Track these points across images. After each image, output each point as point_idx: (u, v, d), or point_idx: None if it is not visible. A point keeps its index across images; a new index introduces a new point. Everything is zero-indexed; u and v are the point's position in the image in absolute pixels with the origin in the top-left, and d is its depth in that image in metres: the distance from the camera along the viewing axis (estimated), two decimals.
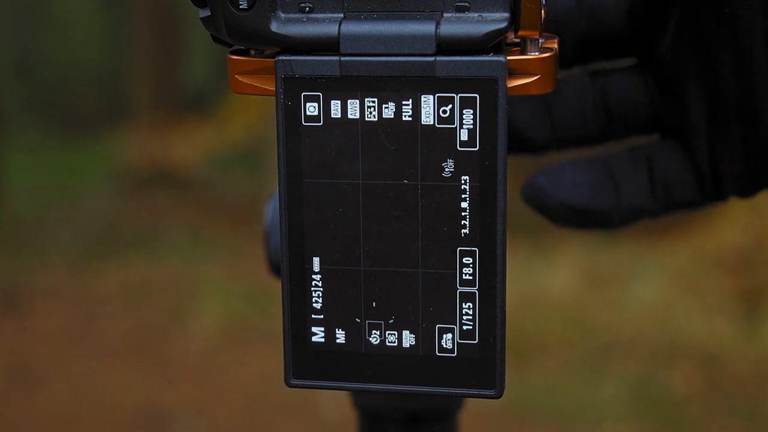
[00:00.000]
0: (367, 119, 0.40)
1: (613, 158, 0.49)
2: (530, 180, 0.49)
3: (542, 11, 0.40)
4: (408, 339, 0.41)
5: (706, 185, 0.47)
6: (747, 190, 0.47)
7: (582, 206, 0.48)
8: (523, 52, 0.41)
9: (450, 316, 0.41)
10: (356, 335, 0.42)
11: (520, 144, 0.51)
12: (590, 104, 0.49)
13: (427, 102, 0.39)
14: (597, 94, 0.49)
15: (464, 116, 0.39)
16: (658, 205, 0.49)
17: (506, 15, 0.39)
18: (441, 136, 0.40)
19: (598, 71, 0.50)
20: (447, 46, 0.39)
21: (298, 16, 0.40)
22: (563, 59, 0.49)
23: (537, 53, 0.40)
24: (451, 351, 0.41)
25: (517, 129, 0.50)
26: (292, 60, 0.40)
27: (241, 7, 0.40)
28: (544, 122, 0.49)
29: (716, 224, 3.27)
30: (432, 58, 0.39)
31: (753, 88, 0.44)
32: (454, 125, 0.39)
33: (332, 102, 0.40)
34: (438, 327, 0.41)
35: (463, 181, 0.40)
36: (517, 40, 0.41)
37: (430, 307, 0.41)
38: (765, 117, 0.44)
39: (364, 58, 0.39)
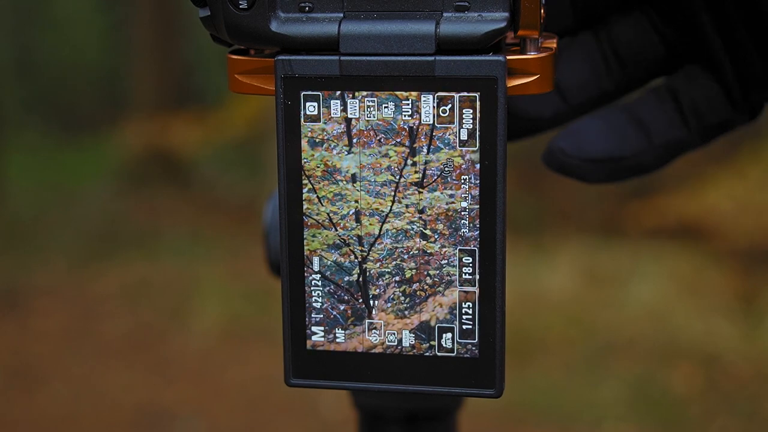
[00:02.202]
0: (367, 119, 0.40)
1: (633, 103, 0.48)
2: (549, 144, 0.48)
3: (542, 10, 0.40)
4: (407, 338, 0.41)
5: (736, 100, 0.46)
6: None
7: (608, 156, 0.47)
8: (522, 52, 0.41)
9: (450, 315, 0.41)
10: (356, 335, 0.42)
11: (527, 127, 0.49)
12: (600, 58, 0.48)
13: (427, 101, 0.39)
14: (605, 46, 0.48)
15: (464, 116, 0.39)
16: (693, 134, 0.47)
17: (506, 15, 0.39)
18: (441, 136, 0.40)
19: (600, 24, 0.48)
20: (447, 45, 0.39)
21: (297, 15, 0.40)
22: (568, 27, 0.48)
23: (536, 53, 0.40)
24: (451, 350, 0.41)
25: (520, 111, 0.48)
26: (292, 59, 0.40)
27: (240, 6, 0.40)
28: (551, 93, 0.47)
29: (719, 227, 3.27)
30: (432, 58, 0.39)
31: None
32: (454, 125, 0.39)
33: (332, 101, 0.40)
34: (438, 326, 0.41)
35: (462, 181, 0.40)
36: (516, 39, 0.41)
37: (430, 307, 0.41)
38: None
39: (363, 58, 0.39)
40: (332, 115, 0.40)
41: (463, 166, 0.39)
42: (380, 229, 0.41)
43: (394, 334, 0.41)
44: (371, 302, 0.41)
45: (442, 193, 0.40)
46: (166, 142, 4.80)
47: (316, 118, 0.40)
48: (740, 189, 3.20)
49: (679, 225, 3.25)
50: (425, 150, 0.40)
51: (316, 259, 0.41)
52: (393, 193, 0.40)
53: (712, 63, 0.46)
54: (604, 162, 0.47)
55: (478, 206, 0.40)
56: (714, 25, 0.45)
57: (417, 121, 0.40)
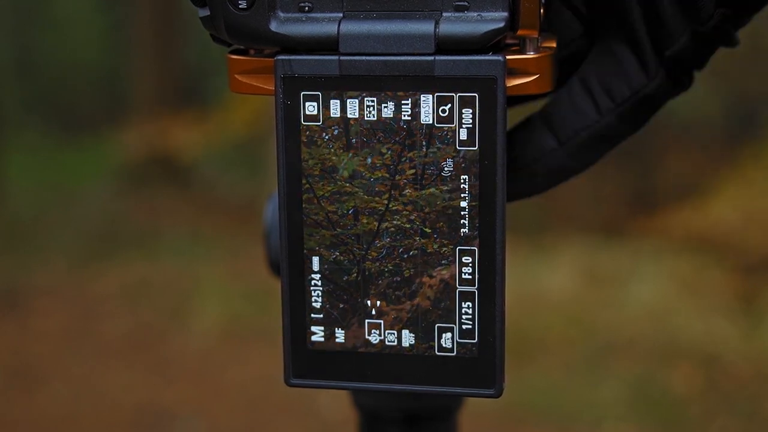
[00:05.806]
0: (366, 118, 0.40)
1: (544, 105, 0.47)
2: None
3: (541, 10, 0.40)
4: (407, 338, 0.41)
5: (647, 60, 0.44)
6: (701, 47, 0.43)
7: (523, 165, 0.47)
8: (521, 52, 0.41)
9: (449, 315, 0.41)
10: (356, 334, 0.42)
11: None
12: None
13: (427, 101, 0.39)
14: None
15: (463, 115, 0.39)
16: (607, 117, 0.45)
17: (505, 14, 0.39)
18: (440, 136, 0.40)
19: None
20: (446, 45, 0.39)
21: (297, 15, 0.40)
22: None
23: (535, 53, 0.40)
24: (451, 350, 0.41)
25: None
26: (292, 59, 0.40)
27: (240, 6, 0.40)
28: None
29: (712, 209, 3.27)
30: (431, 58, 0.39)
31: None
32: (454, 124, 0.39)
33: (331, 101, 0.40)
34: (437, 326, 0.41)
35: (462, 181, 0.40)
36: (515, 39, 0.41)
37: (430, 306, 0.41)
38: None
39: (363, 58, 0.39)
40: (332, 115, 0.40)
41: (463, 165, 0.40)
42: (378, 228, 0.41)
43: (393, 333, 0.41)
44: (371, 301, 0.41)
45: (441, 192, 0.40)
46: (166, 142, 4.80)
47: (315, 118, 0.40)
48: (743, 195, 3.20)
49: (683, 234, 3.26)
50: (424, 149, 0.40)
51: (315, 259, 0.41)
52: (389, 191, 0.40)
53: (620, 23, 0.44)
54: (520, 170, 0.46)
55: (477, 206, 0.40)
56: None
57: (416, 121, 0.40)
